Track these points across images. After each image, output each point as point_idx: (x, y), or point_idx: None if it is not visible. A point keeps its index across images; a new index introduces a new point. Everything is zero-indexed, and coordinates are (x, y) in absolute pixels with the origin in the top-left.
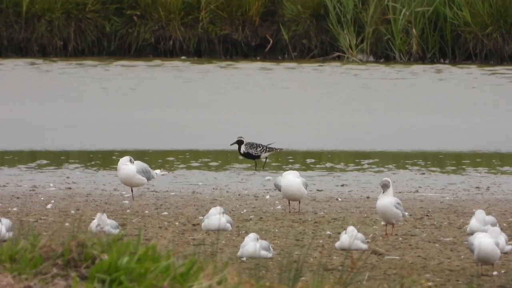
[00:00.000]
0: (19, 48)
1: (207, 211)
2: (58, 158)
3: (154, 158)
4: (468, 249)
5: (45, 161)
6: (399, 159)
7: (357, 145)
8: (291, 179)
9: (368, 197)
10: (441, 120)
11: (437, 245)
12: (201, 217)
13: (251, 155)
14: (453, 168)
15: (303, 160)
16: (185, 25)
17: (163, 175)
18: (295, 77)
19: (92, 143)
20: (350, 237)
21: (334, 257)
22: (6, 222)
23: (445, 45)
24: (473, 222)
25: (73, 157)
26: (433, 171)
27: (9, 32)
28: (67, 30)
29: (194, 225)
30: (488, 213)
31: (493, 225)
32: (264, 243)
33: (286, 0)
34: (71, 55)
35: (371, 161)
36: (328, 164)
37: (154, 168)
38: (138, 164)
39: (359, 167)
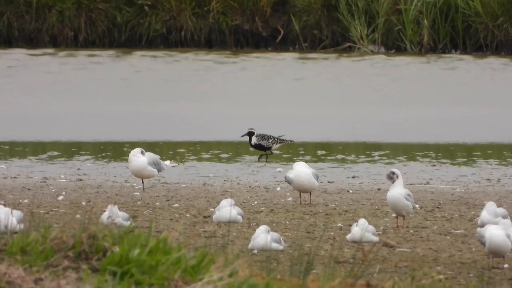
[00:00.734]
0: (29, 39)
1: (218, 203)
2: (69, 150)
3: (165, 150)
4: (479, 241)
5: (56, 153)
6: (410, 151)
7: (368, 137)
8: (301, 170)
9: (379, 189)
10: (452, 112)
11: (448, 237)
12: (212, 209)
13: (262, 147)
14: (464, 160)
15: (314, 152)
16: (196, 16)
17: (173, 166)
18: (306, 68)
19: (103, 134)
20: (361, 229)
21: (345, 250)
22: (17, 213)
23: (456, 36)
24: (484, 214)
25: (84, 148)
26: (444, 163)
27: (20, 23)
28: (78, 20)
29: (205, 217)
30: (499, 205)
31: (504, 217)
32: (275, 235)
33: None
34: (81, 45)
35: (382, 153)
36: (339, 156)
37: (165, 160)
38: (149, 155)
39: (370, 159)
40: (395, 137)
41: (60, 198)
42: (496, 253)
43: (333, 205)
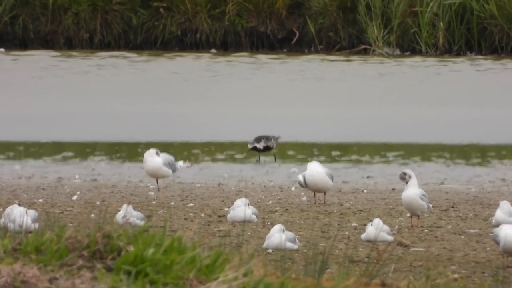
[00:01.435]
0: (45, 41)
1: (233, 202)
2: (83, 150)
3: (180, 150)
4: (493, 240)
5: (70, 153)
6: (424, 151)
7: (383, 137)
8: (314, 169)
9: (393, 189)
10: (466, 113)
11: (462, 237)
12: (226, 209)
13: (270, 148)
14: (479, 160)
15: (329, 152)
16: (211, 18)
17: (187, 167)
18: (321, 70)
19: (118, 135)
20: (376, 229)
21: (360, 249)
22: (32, 213)
23: (471, 38)
24: (499, 214)
25: (99, 149)
26: (459, 163)
27: (36, 25)
28: (94, 22)
29: (219, 216)
30: None
31: None
32: (290, 234)
33: None
34: (97, 47)
35: (396, 153)
36: (354, 156)
37: (179, 160)
38: (164, 156)
39: (384, 159)
40: (409, 138)
41: (75, 197)
42: (511, 252)
43: (348, 204)
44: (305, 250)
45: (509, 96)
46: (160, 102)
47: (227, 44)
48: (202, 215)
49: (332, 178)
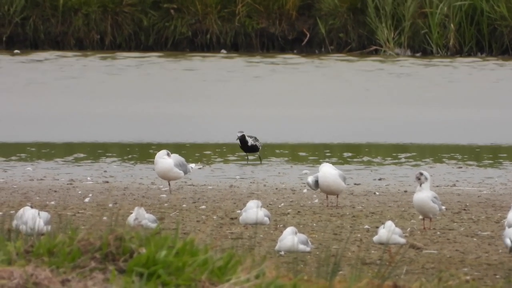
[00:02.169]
0: (55, 42)
1: (245, 204)
2: (95, 152)
3: (191, 152)
4: (504, 244)
5: (82, 155)
6: (436, 153)
7: (395, 138)
8: (327, 171)
9: (405, 191)
10: (478, 114)
11: (474, 239)
12: (238, 211)
13: (257, 148)
14: (490, 161)
15: (340, 153)
16: (222, 19)
17: (199, 168)
18: (332, 71)
19: (129, 136)
20: (388, 231)
21: (372, 251)
22: (44, 215)
23: (481, 39)
24: (511, 216)
25: (111, 150)
26: (471, 165)
27: (46, 26)
28: (104, 23)
29: (231, 218)
30: None
31: None
32: (302, 237)
33: None
34: (107, 48)
35: (408, 155)
36: (366, 158)
37: (191, 162)
38: (175, 157)
39: (396, 161)
40: (421, 139)
41: (87, 200)
42: None
43: (360, 207)
44: (317, 252)
45: None
46: (172, 103)
47: (237, 45)
48: (214, 217)
49: (344, 179)
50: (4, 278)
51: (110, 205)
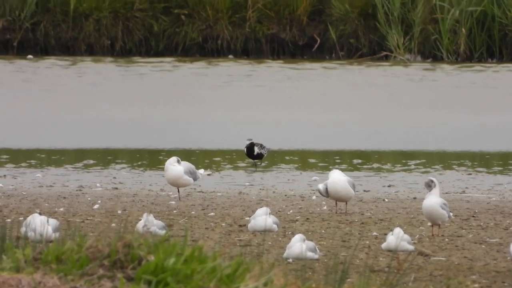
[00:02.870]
0: (66, 47)
1: (254, 212)
2: (104, 158)
3: (201, 158)
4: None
5: (91, 161)
6: (445, 160)
7: (404, 145)
8: (336, 177)
9: (414, 198)
10: (488, 120)
11: (483, 246)
12: (247, 218)
13: (262, 156)
14: (500, 168)
15: (350, 160)
16: (232, 24)
17: (208, 175)
18: (342, 76)
19: (139, 142)
20: (397, 238)
21: (381, 258)
22: (53, 222)
23: (492, 45)
24: None
25: (120, 157)
26: (480, 172)
27: (57, 31)
28: (115, 29)
29: (240, 226)
30: None
31: None
32: (311, 244)
33: None
34: (118, 54)
35: (417, 161)
36: (375, 165)
37: (200, 169)
38: (185, 164)
39: (405, 167)
40: (430, 146)
41: (96, 206)
42: None
43: (369, 214)
44: (325, 260)
45: None
46: (181, 109)
47: (248, 50)
48: (223, 224)
49: (354, 186)
50: (12, 285)
51: (119, 211)
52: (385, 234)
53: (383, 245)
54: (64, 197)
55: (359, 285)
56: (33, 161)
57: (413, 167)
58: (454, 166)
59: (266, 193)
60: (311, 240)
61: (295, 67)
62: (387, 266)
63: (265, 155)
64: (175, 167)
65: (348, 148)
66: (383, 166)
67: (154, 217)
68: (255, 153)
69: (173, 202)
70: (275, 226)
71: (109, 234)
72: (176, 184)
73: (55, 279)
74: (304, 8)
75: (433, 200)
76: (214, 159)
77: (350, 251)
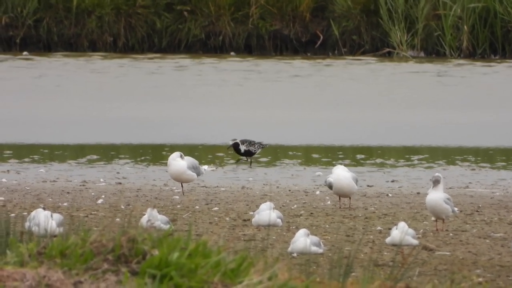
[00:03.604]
0: (69, 44)
1: (258, 206)
2: (108, 153)
3: (204, 153)
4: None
5: (95, 156)
6: (449, 155)
7: (407, 140)
8: (341, 173)
9: (418, 193)
10: (492, 116)
11: (487, 240)
12: (251, 213)
13: (251, 153)
14: (503, 163)
15: (353, 155)
16: (235, 21)
17: (212, 170)
18: (345, 73)
19: (142, 137)
20: (401, 232)
21: (385, 253)
22: (57, 217)
23: (495, 41)
24: None
25: (123, 152)
26: (484, 167)
27: (59, 28)
28: (117, 26)
29: (244, 220)
30: None
31: None
32: (315, 238)
33: None
34: (121, 51)
35: (421, 156)
36: (378, 160)
37: (203, 164)
38: (189, 159)
39: (409, 162)
40: (434, 141)
41: (100, 201)
42: None
43: (373, 208)
44: (330, 254)
45: None
46: (184, 105)
47: (250, 47)
48: (227, 219)
49: (357, 182)
50: (17, 280)
51: (123, 206)
52: (389, 229)
53: (388, 240)
54: (68, 192)
55: (364, 279)
56: (36, 156)
57: (416, 162)
58: (457, 162)
59: (269, 188)
60: (315, 235)
61: (298, 64)
62: (392, 260)
63: (257, 151)
64: (178, 162)
65: (351, 143)
66: (387, 161)
67: (158, 211)
68: (242, 150)
69: (177, 197)
70: (279, 220)
71: (113, 228)
72: (179, 179)
73: (60, 274)
74: (307, 4)
75: (437, 195)
76: (217, 154)
77: (354, 246)
